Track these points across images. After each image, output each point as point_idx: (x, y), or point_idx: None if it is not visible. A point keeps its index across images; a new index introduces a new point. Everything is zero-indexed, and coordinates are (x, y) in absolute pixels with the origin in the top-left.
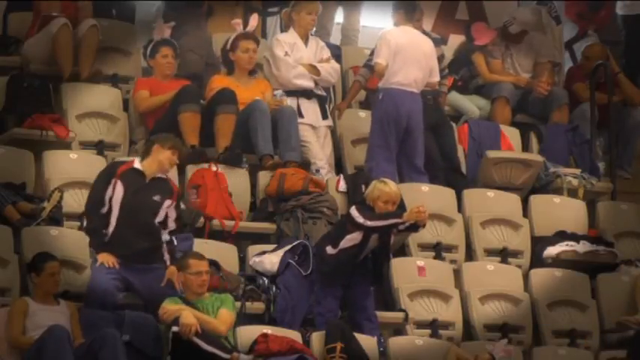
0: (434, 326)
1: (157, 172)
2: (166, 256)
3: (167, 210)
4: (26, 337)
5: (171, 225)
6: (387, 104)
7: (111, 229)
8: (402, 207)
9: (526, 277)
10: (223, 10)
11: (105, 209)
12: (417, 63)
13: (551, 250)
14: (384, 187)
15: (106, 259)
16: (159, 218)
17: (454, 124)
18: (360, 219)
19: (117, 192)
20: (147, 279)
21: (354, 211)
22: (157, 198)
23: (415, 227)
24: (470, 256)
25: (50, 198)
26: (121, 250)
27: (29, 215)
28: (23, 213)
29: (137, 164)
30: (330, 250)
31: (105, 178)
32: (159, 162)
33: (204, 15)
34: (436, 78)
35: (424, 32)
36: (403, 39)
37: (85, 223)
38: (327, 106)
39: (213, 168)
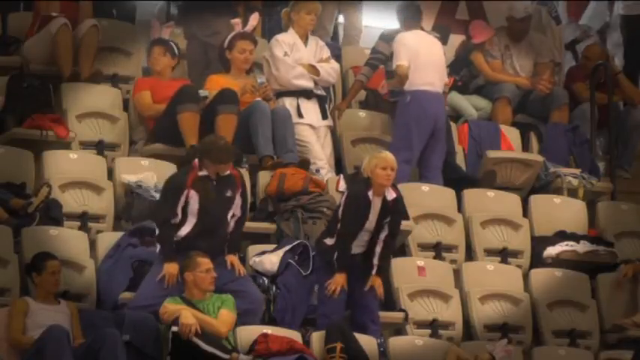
0: (434, 326)
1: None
2: (225, 247)
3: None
4: (27, 336)
5: (237, 212)
6: (415, 106)
7: (184, 232)
8: (402, 208)
9: (526, 277)
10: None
11: (178, 219)
12: (434, 64)
13: (551, 250)
14: (380, 154)
15: (171, 271)
16: (231, 212)
17: (454, 124)
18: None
19: (192, 201)
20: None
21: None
22: (229, 194)
23: None
24: (470, 256)
25: (38, 193)
26: (191, 249)
27: (21, 210)
28: (15, 210)
29: (202, 171)
30: (329, 241)
31: (175, 191)
32: (211, 173)
33: (232, 17)
34: (446, 78)
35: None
36: (417, 42)
37: (157, 232)
38: (326, 106)
39: None
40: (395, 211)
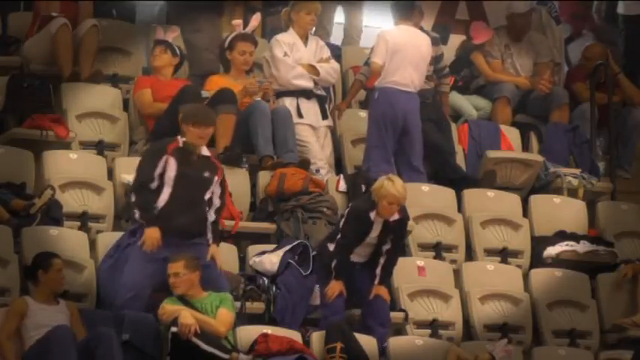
0: (434, 326)
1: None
2: (209, 235)
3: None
4: (9, 342)
5: (217, 202)
6: (383, 103)
7: (161, 203)
8: (404, 230)
9: (526, 277)
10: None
11: (155, 185)
12: (414, 63)
13: (551, 250)
14: (392, 189)
15: (152, 234)
16: (208, 194)
17: (454, 124)
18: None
19: (169, 168)
20: (189, 253)
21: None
22: (207, 174)
23: None
24: (470, 256)
25: (42, 195)
26: (168, 224)
27: (22, 211)
28: (16, 210)
29: (181, 143)
30: (331, 246)
31: (154, 155)
32: (191, 139)
33: (218, 14)
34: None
35: (422, 30)
36: (402, 38)
37: (133, 199)
38: (326, 106)
39: None
40: (397, 231)
